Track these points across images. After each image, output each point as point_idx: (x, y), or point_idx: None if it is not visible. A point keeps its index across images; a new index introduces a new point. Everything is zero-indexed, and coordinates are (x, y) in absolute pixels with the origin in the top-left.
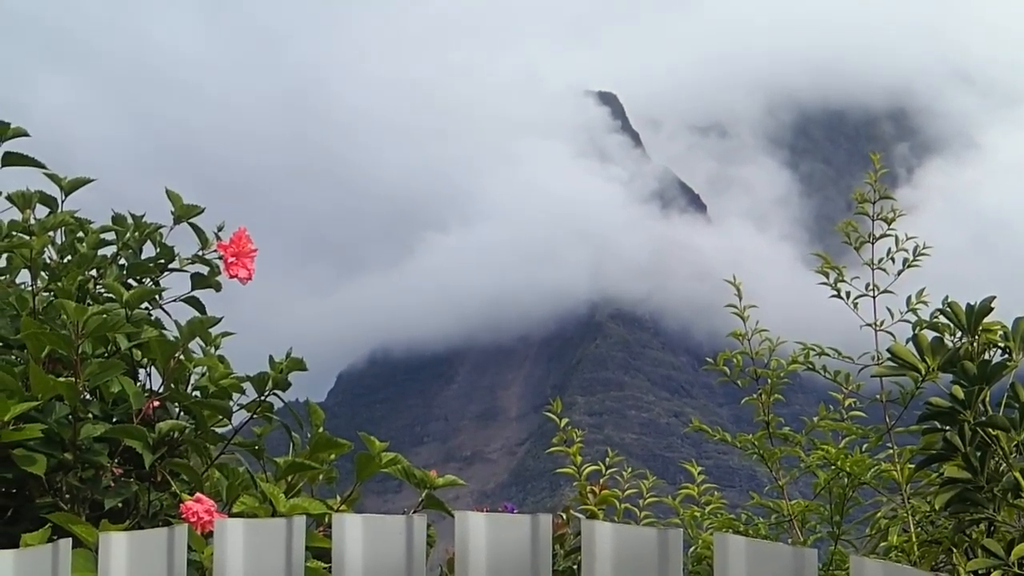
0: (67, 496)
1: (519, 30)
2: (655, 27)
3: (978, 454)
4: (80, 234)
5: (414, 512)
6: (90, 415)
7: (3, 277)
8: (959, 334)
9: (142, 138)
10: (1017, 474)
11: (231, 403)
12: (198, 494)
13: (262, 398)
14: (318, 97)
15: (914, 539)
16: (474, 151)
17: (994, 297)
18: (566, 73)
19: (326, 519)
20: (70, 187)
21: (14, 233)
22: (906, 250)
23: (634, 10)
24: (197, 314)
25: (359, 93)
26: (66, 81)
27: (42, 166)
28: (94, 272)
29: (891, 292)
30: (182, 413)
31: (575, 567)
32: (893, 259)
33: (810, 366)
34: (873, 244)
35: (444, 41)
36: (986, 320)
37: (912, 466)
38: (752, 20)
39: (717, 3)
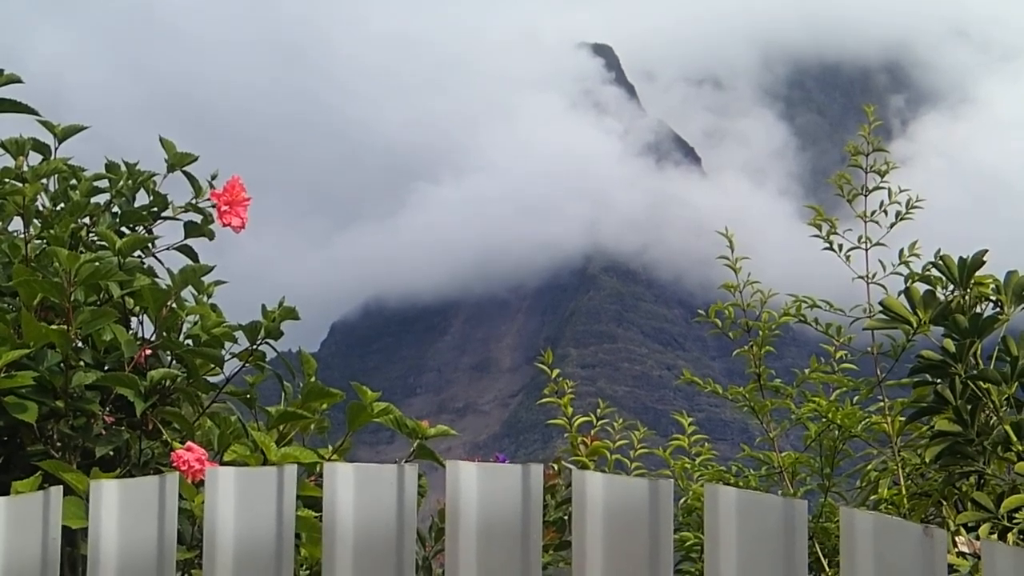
0: (58, 444)
1: None
2: None
3: (969, 407)
4: (73, 182)
5: (405, 462)
6: (82, 363)
7: None
8: (951, 287)
9: (138, 87)
10: (1007, 427)
11: (223, 352)
12: (189, 443)
13: (254, 347)
14: (315, 49)
15: (904, 492)
16: (470, 104)
17: (986, 250)
18: (561, 26)
19: (317, 468)
20: (63, 134)
21: (7, 180)
22: (899, 203)
23: None
24: (190, 262)
25: (356, 46)
26: (62, 29)
27: (35, 113)
28: (87, 220)
29: (883, 245)
30: (174, 362)
31: (566, 517)
32: (886, 212)
33: (801, 318)
34: (866, 197)
35: None
36: (978, 273)
37: (903, 419)
38: None
39: None
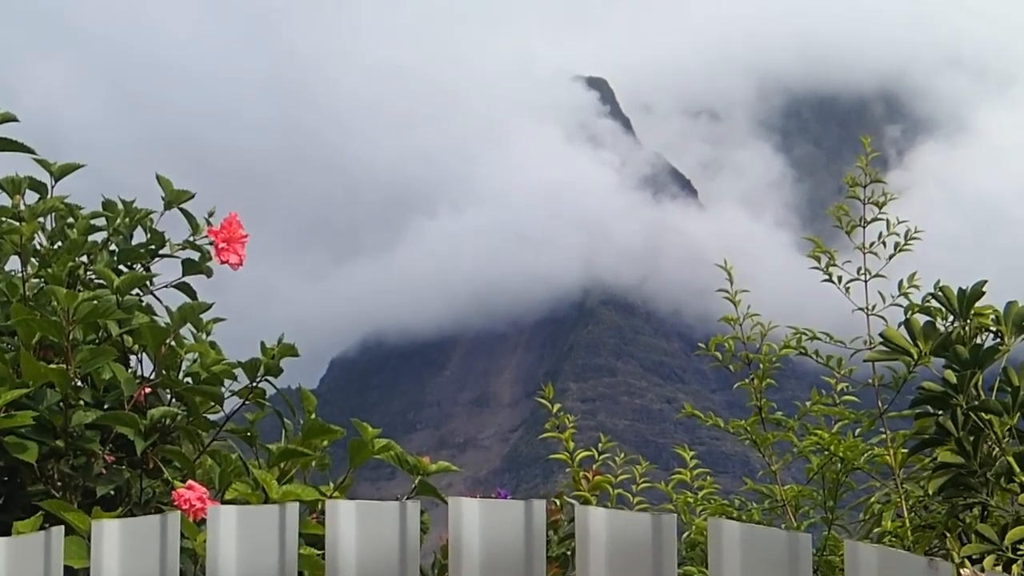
0: (59, 483)
1: (510, 16)
2: (644, 12)
3: (971, 438)
4: (70, 220)
5: (407, 498)
6: (81, 402)
7: None
8: (951, 318)
9: (134, 122)
10: (1010, 458)
11: (223, 389)
12: (190, 481)
13: (254, 384)
14: (311, 82)
15: (908, 524)
16: (466, 137)
17: (985, 281)
18: (556, 59)
19: (319, 506)
20: (60, 173)
21: (4, 219)
22: (897, 234)
23: None
24: (188, 300)
25: (352, 78)
26: (57, 64)
27: (31, 151)
28: (84, 258)
29: (883, 276)
30: (174, 400)
31: (569, 553)
32: (884, 243)
33: (802, 351)
34: (864, 228)
35: (436, 27)
36: (978, 304)
37: (905, 451)
38: (742, 4)
39: None
